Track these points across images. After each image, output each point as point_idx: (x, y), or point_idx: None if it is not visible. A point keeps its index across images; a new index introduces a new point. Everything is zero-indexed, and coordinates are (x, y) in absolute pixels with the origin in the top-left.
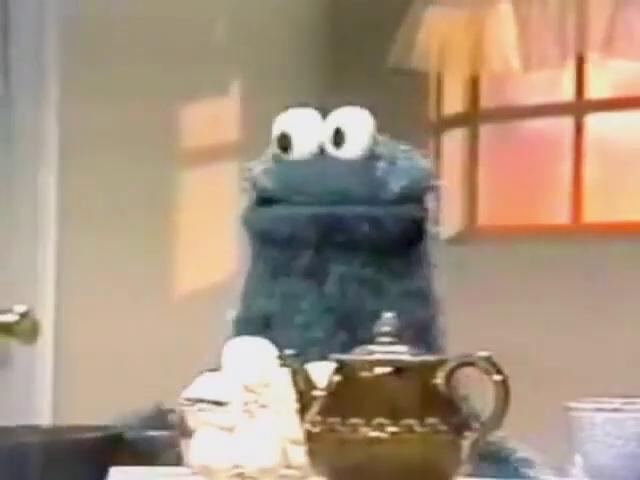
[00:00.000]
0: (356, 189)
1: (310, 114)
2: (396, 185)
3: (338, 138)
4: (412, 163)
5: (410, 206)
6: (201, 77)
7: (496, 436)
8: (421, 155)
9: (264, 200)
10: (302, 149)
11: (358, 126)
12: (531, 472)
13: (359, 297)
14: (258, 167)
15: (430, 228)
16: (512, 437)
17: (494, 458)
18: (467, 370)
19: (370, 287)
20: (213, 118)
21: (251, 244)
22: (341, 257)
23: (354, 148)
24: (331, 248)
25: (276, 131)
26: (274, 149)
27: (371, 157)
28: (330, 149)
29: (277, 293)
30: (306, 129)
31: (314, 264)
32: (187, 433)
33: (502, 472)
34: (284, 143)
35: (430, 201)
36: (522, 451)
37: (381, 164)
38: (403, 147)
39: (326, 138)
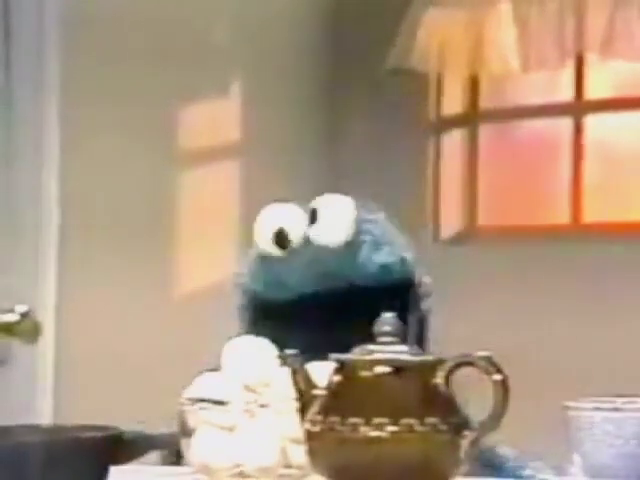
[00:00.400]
0: (338, 269)
1: (293, 208)
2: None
3: (313, 217)
4: (393, 256)
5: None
6: (201, 77)
7: (487, 445)
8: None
9: (258, 302)
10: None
11: (336, 210)
12: (525, 472)
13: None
14: (245, 271)
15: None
16: (506, 442)
17: (485, 466)
18: (467, 370)
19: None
20: (213, 118)
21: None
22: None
23: (334, 234)
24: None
25: (266, 229)
26: (258, 248)
27: (352, 243)
28: (309, 233)
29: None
30: (293, 223)
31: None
32: (188, 432)
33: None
34: (282, 239)
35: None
36: (515, 458)
37: (364, 252)
38: (386, 229)
39: (305, 225)
